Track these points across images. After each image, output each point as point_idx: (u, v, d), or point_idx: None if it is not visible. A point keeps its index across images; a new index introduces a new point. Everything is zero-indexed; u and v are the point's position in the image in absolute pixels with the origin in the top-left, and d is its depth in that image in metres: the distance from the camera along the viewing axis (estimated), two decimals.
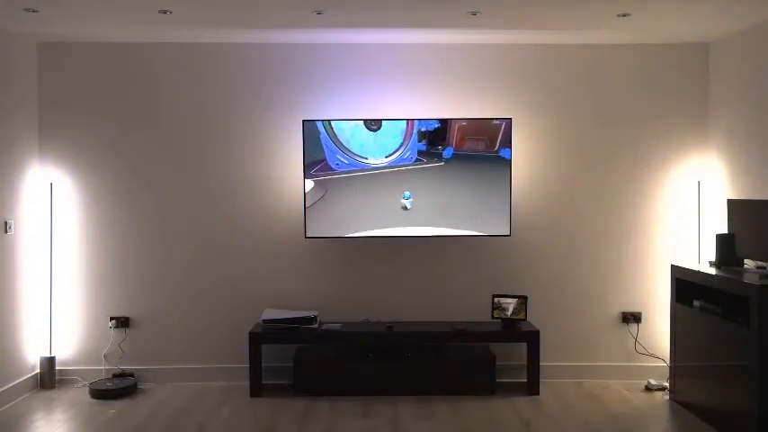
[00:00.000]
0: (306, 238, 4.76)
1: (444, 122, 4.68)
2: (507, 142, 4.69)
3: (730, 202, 4.38)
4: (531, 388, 4.63)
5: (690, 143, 4.94)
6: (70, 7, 4.03)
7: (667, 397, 4.58)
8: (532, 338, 4.63)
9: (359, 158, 4.69)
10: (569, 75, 4.94)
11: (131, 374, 4.86)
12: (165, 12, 4.10)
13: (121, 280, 4.92)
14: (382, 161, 4.70)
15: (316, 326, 4.70)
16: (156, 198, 4.92)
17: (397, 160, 4.71)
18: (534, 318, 4.85)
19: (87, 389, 4.67)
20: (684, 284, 4.39)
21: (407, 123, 4.67)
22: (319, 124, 4.69)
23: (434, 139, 4.68)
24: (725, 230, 4.38)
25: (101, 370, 4.87)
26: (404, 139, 4.66)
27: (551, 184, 4.95)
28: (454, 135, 4.68)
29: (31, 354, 4.77)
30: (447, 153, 4.69)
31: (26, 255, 4.70)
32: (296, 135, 4.80)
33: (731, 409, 3.85)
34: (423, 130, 4.67)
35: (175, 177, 4.92)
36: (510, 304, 4.74)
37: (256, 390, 4.61)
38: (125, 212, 4.91)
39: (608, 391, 4.74)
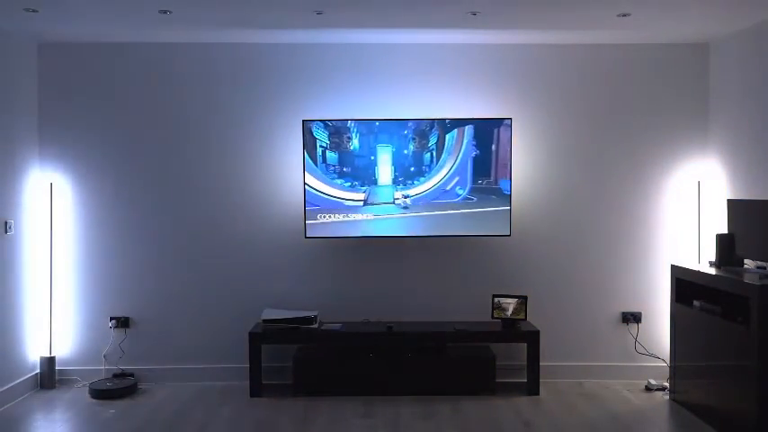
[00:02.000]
0: (306, 238, 4.76)
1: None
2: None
3: (730, 202, 4.38)
4: (531, 388, 4.63)
5: (690, 143, 4.93)
6: (70, 7, 4.03)
7: (667, 397, 4.58)
8: (532, 338, 4.63)
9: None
10: (569, 75, 4.93)
11: (131, 374, 4.86)
12: (165, 12, 4.09)
13: (121, 280, 4.92)
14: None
15: (316, 326, 4.70)
16: (155, 198, 4.92)
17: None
18: (534, 318, 4.85)
19: (87, 389, 4.67)
20: (684, 284, 4.40)
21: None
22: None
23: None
24: (725, 230, 4.38)
25: (101, 370, 4.87)
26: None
27: (551, 183, 4.95)
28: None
29: (31, 354, 4.77)
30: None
31: (26, 255, 4.70)
32: (296, 135, 4.80)
33: (731, 409, 3.85)
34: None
35: (175, 177, 4.92)
36: (510, 304, 4.74)
37: (256, 390, 4.61)
38: (125, 212, 4.91)
39: (608, 391, 4.74)
